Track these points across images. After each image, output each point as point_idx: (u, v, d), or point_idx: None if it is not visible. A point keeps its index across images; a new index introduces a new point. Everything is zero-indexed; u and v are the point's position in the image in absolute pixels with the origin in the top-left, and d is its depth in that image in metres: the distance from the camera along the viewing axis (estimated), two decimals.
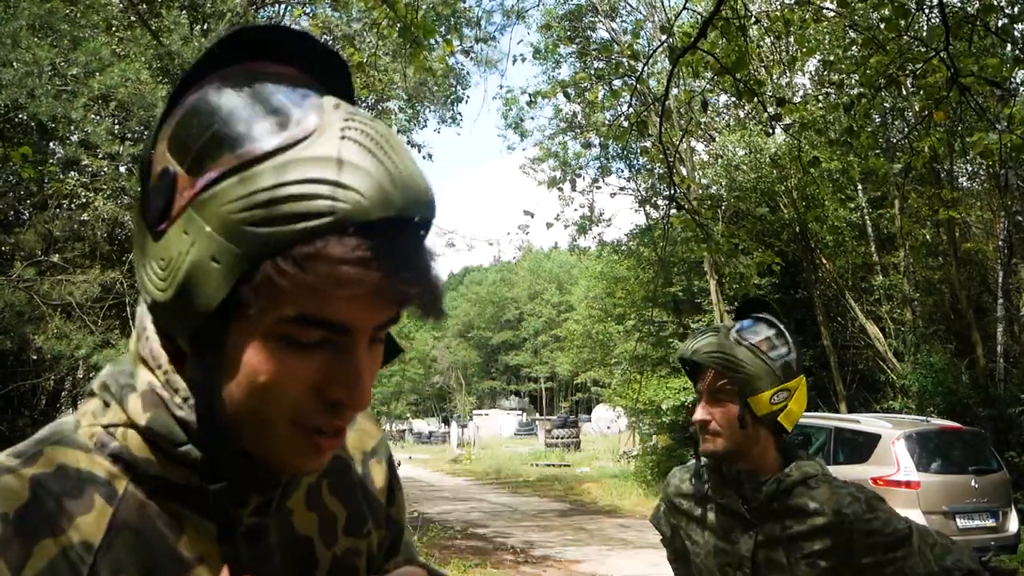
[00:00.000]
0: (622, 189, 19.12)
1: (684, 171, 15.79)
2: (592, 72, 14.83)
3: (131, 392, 0.67)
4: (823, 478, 1.66)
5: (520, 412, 46.58)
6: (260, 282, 0.58)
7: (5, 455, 0.66)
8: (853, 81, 6.38)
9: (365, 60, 6.38)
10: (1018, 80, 11.61)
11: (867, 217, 14.74)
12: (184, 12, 10.49)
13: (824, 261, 14.98)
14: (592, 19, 16.44)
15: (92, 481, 0.66)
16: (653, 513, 1.97)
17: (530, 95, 11.77)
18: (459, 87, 14.50)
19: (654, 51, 7.20)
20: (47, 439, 0.67)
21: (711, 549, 1.71)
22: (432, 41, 7.12)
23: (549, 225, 18.39)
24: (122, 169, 10.37)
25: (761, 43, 11.33)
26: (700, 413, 1.67)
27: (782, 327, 1.70)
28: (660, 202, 16.62)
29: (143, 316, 0.70)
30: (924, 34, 5.74)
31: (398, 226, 0.59)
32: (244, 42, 0.64)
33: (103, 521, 0.65)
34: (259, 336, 0.61)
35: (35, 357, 9.57)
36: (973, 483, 8.30)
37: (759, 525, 1.65)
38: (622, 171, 20.65)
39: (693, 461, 1.86)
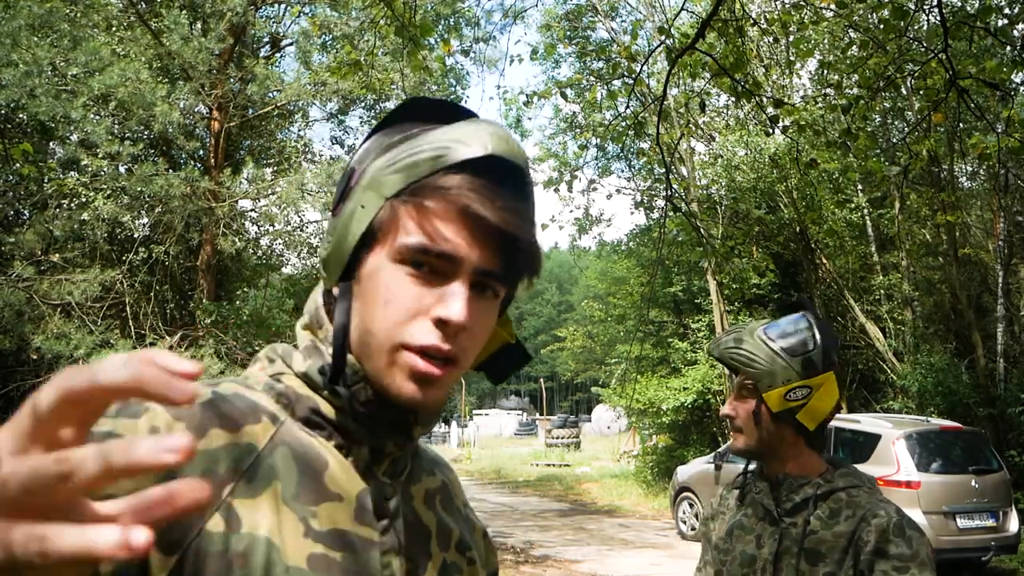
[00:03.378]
0: (619, 191, 19.12)
1: (684, 171, 15.79)
2: (589, 73, 14.83)
3: (294, 351, 0.82)
4: (867, 489, 1.61)
5: (520, 412, 46.53)
6: (388, 212, 0.76)
7: (213, 382, 0.79)
8: (852, 82, 6.38)
9: (363, 59, 6.37)
10: (1017, 81, 11.61)
11: (867, 217, 14.75)
12: (184, 12, 10.48)
13: (824, 261, 14.99)
14: (592, 19, 16.44)
15: (261, 407, 0.77)
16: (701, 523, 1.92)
17: (527, 95, 11.75)
18: (458, 87, 14.52)
19: (652, 51, 7.20)
20: (224, 379, 0.80)
21: (737, 555, 1.68)
22: (430, 41, 7.11)
23: (544, 227, 18.38)
24: (122, 169, 10.36)
25: (760, 44, 11.32)
26: (726, 408, 1.69)
27: (814, 323, 1.67)
28: (659, 203, 16.61)
29: (312, 298, 0.85)
30: (923, 35, 5.73)
31: (500, 174, 0.75)
32: (419, 106, 0.83)
33: (267, 434, 0.76)
34: (386, 262, 0.76)
35: (35, 357, 9.57)
36: (973, 483, 8.30)
37: (786, 527, 1.61)
38: (622, 171, 20.69)
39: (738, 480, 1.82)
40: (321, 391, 0.79)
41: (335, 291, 0.80)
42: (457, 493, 0.95)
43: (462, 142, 0.74)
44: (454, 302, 0.73)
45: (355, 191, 0.79)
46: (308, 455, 0.77)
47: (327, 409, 0.79)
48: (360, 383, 0.78)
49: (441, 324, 0.74)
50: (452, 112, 0.81)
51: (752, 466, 1.77)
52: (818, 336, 1.64)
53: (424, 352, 0.74)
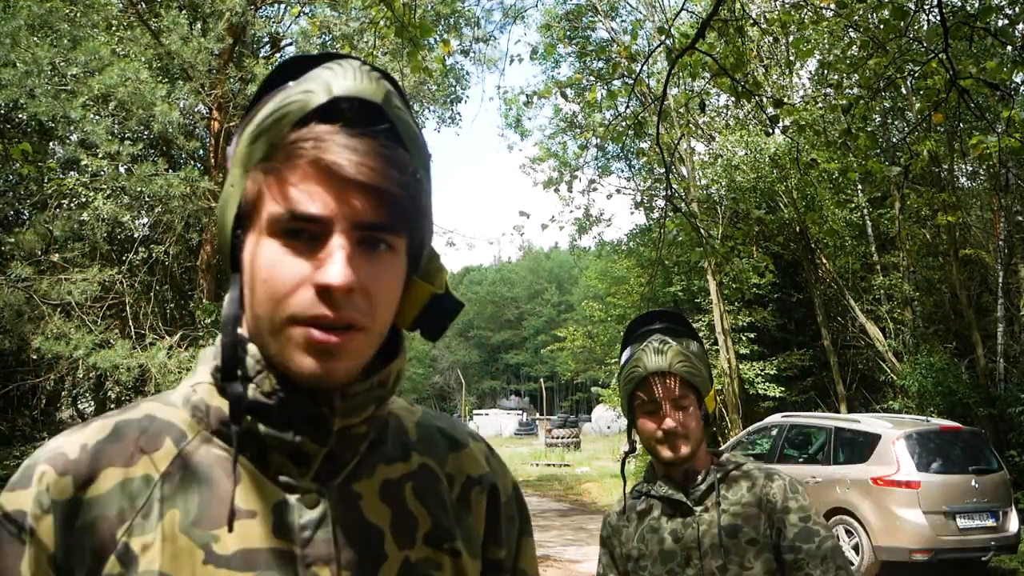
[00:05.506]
0: (619, 191, 19.11)
1: (684, 171, 15.79)
2: (589, 72, 14.83)
3: (208, 353, 0.78)
4: (752, 463, 1.83)
5: (520, 412, 46.55)
6: (252, 186, 0.71)
7: (131, 406, 0.79)
8: (852, 82, 6.37)
9: (362, 60, 6.37)
10: (1018, 80, 11.59)
11: (867, 217, 14.75)
12: (183, 12, 10.48)
13: (824, 261, 14.99)
14: (592, 19, 16.44)
15: (169, 428, 0.75)
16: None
17: (527, 95, 11.74)
18: (458, 87, 14.51)
19: (652, 51, 7.20)
20: (150, 397, 0.80)
21: (657, 556, 1.77)
22: (430, 41, 7.10)
23: (544, 227, 18.51)
24: (122, 169, 10.35)
25: (760, 43, 11.32)
26: (670, 422, 1.74)
27: (692, 329, 1.86)
28: (659, 203, 16.60)
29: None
30: (923, 35, 5.73)
31: (357, 118, 0.70)
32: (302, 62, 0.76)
33: (168, 459, 0.73)
34: (261, 241, 0.71)
35: (35, 357, 9.56)
36: (973, 483, 8.29)
37: (698, 513, 1.77)
38: (622, 171, 20.68)
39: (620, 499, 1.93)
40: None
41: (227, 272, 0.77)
42: (455, 474, 0.86)
43: (310, 91, 0.69)
44: (331, 265, 0.68)
45: (228, 174, 0.74)
46: (215, 474, 0.73)
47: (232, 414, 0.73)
48: (262, 372, 0.72)
49: (324, 291, 0.68)
50: (323, 63, 0.75)
51: (648, 485, 1.89)
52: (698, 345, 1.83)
53: (315, 323, 0.69)
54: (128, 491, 0.71)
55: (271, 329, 0.71)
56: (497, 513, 0.89)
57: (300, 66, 0.75)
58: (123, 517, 0.70)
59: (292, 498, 0.74)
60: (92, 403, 12.09)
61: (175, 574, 0.69)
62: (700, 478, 1.79)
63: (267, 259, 0.70)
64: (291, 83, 0.72)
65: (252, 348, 0.73)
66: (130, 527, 0.70)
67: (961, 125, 11.25)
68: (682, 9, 8.70)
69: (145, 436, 0.74)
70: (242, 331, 0.75)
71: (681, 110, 13.29)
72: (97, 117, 9.73)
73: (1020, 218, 13.06)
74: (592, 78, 14.23)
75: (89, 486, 0.70)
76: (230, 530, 0.70)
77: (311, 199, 0.68)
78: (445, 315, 0.82)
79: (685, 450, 1.75)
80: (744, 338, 15.92)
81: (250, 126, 0.73)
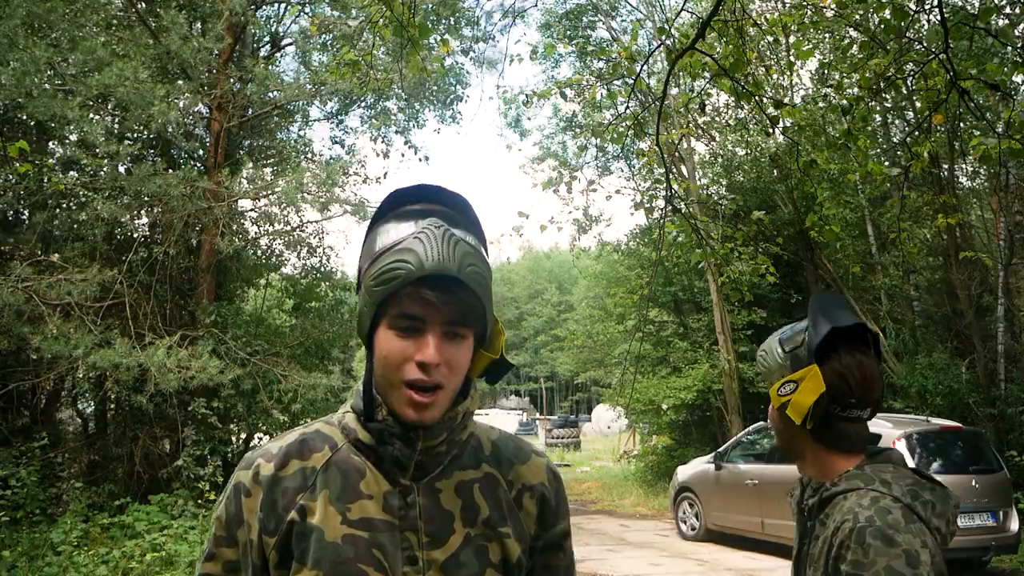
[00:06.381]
0: (618, 192, 19.09)
1: (684, 170, 15.77)
2: (589, 73, 14.80)
3: (355, 393, 1.26)
4: (864, 492, 1.51)
5: (520, 412, 46.52)
6: (384, 308, 1.16)
7: (309, 424, 1.30)
8: (852, 82, 6.36)
9: (361, 60, 6.36)
10: (1018, 81, 11.58)
11: (867, 217, 14.72)
12: (183, 11, 10.46)
13: (824, 261, 14.97)
14: (592, 19, 16.43)
15: (327, 439, 1.24)
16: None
17: (526, 95, 11.72)
18: (459, 86, 14.46)
19: (652, 52, 7.19)
20: (322, 419, 1.30)
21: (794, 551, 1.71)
22: (429, 41, 7.09)
23: (543, 228, 18.52)
24: (121, 168, 10.34)
25: (760, 43, 11.30)
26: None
27: (813, 318, 1.62)
28: (659, 203, 16.56)
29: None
30: (923, 35, 5.72)
31: (445, 276, 1.12)
32: (409, 191, 1.22)
33: (323, 458, 1.22)
34: (383, 331, 1.16)
35: (34, 357, 9.54)
36: (973, 483, 8.29)
37: (807, 528, 1.62)
38: (622, 171, 20.65)
39: None
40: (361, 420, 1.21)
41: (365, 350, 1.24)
42: (515, 479, 1.27)
43: (408, 263, 1.11)
44: (427, 348, 1.12)
45: (362, 290, 1.19)
46: (351, 470, 1.20)
47: (363, 436, 1.21)
48: (380, 407, 1.18)
49: (422, 364, 1.12)
50: (415, 199, 1.19)
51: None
52: (808, 331, 1.60)
53: (413, 385, 1.13)
54: (304, 474, 1.20)
55: (388, 387, 1.16)
56: (544, 514, 1.29)
57: (400, 202, 1.20)
58: (300, 489, 1.19)
59: (395, 489, 1.18)
60: (92, 403, 12.07)
61: (325, 528, 1.15)
62: (808, 492, 1.62)
63: (387, 344, 1.15)
64: (392, 227, 1.17)
65: (374, 395, 1.19)
66: (304, 495, 1.18)
67: (962, 126, 11.24)
68: (682, 9, 8.70)
69: (314, 443, 1.23)
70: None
71: (681, 110, 13.27)
72: (96, 116, 9.71)
73: (1020, 218, 13.04)
74: (592, 78, 14.19)
75: (282, 469, 1.20)
76: (384, 509, 1.17)
77: (416, 311, 1.13)
78: (500, 369, 1.27)
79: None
80: (744, 337, 15.91)
81: (371, 269, 1.16)
